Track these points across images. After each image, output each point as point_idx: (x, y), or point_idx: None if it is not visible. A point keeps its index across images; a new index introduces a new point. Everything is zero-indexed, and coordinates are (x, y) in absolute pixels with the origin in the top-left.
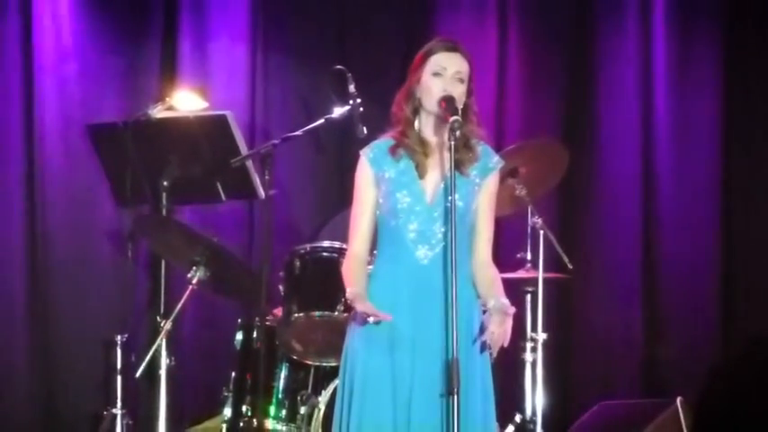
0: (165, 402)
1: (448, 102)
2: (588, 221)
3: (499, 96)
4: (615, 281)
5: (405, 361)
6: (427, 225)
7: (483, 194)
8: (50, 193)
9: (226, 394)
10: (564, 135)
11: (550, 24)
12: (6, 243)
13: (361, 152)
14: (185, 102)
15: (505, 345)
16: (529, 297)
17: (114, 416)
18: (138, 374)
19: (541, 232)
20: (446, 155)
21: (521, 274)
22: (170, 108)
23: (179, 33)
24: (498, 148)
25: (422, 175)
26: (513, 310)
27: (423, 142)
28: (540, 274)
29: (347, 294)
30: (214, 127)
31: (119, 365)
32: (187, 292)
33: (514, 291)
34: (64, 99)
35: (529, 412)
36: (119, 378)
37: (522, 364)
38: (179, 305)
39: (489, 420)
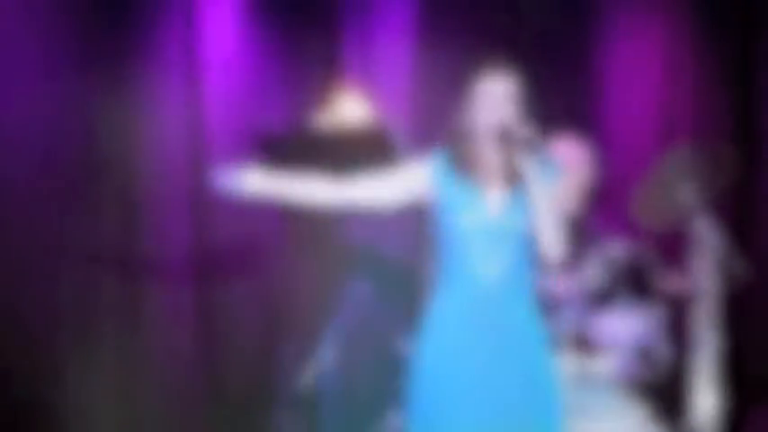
0: None
1: (508, 130)
2: (763, 226)
3: (668, 95)
4: None
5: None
6: (490, 244)
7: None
8: (216, 205)
9: None
10: (733, 135)
11: (718, 22)
12: (172, 257)
13: (428, 159)
14: (348, 112)
15: None
16: (698, 306)
17: None
18: None
19: (711, 239)
20: (506, 173)
21: (688, 284)
22: (333, 120)
23: (343, 41)
24: (665, 150)
25: (483, 194)
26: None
27: (481, 162)
28: (710, 283)
29: None
30: (376, 138)
31: None
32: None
33: (685, 301)
34: (227, 109)
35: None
36: None
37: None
38: None
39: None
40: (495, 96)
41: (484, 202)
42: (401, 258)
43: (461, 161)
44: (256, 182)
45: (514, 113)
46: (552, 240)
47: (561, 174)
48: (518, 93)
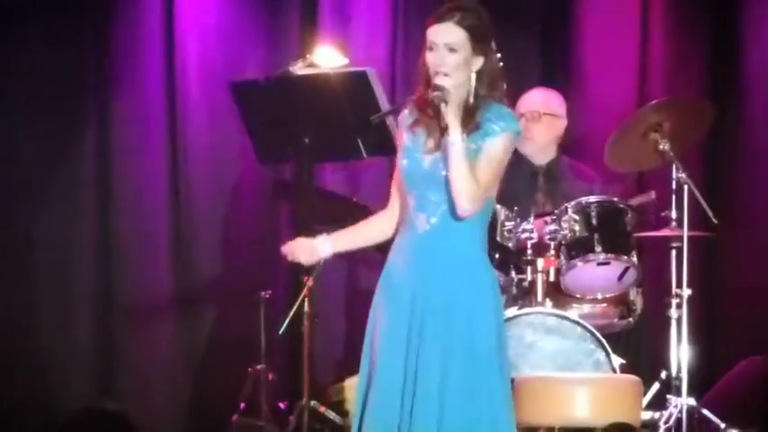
0: (309, 359)
1: (433, 82)
2: (736, 178)
3: (642, 51)
4: (763, 236)
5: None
6: (424, 192)
7: (478, 158)
8: (193, 150)
9: None
10: (709, 89)
11: None
12: (150, 199)
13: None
14: (326, 58)
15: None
16: (674, 253)
17: (259, 373)
18: (281, 331)
19: (686, 187)
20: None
21: (665, 232)
22: (311, 65)
23: None
24: (641, 103)
25: (430, 145)
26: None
27: (437, 113)
28: (686, 231)
29: None
30: (354, 83)
31: (262, 322)
32: None
33: (660, 248)
34: (205, 55)
35: (675, 369)
36: (263, 335)
37: (667, 320)
38: (321, 262)
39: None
40: (435, 46)
41: (420, 150)
42: None
43: (420, 108)
44: (329, 248)
45: (451, 63)
46: (461, 191)
47: (514, 128)
48: (458, 44)
